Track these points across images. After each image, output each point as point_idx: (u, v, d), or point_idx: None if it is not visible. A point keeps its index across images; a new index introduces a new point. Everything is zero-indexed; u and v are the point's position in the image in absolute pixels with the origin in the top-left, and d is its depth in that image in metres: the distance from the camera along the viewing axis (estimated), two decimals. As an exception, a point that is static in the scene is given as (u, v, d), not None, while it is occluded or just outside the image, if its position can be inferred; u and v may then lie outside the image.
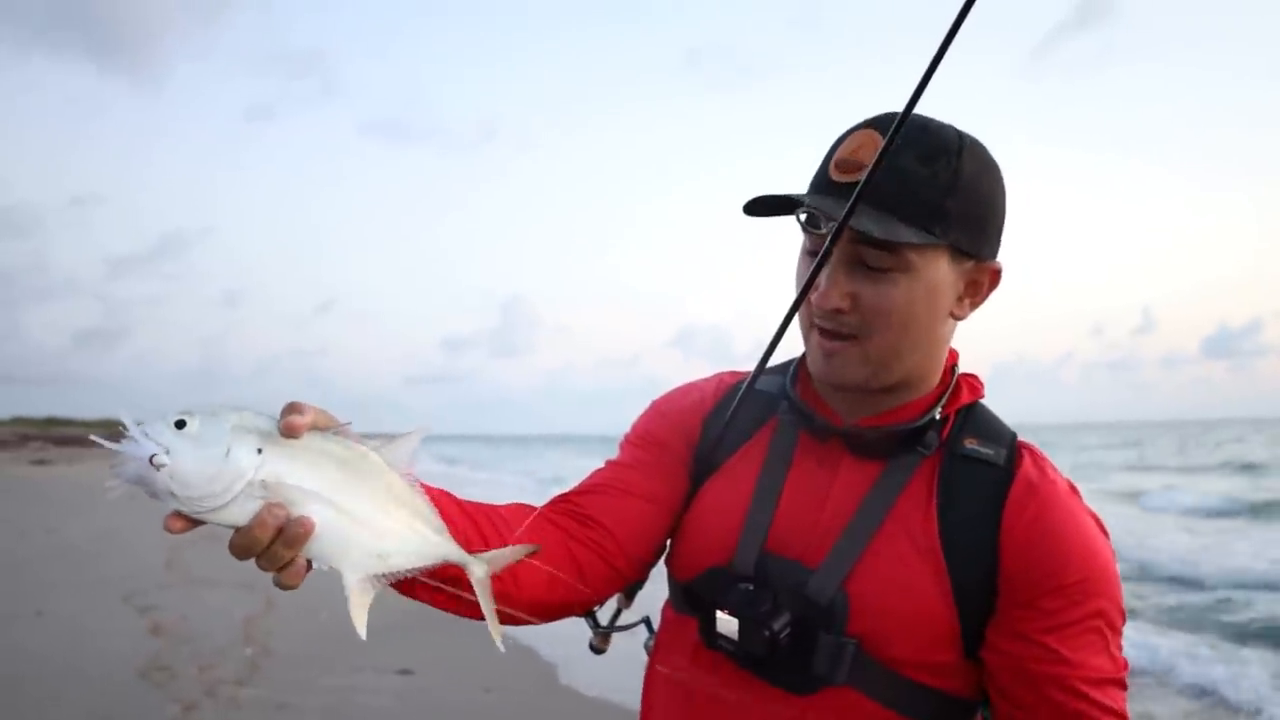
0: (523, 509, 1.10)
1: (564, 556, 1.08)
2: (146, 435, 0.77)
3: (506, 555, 0.96)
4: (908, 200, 1.00)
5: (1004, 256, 1.10)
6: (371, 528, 0.85)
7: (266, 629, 6.31)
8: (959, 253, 1.04)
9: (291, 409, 0.81)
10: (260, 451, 0.80)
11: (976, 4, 0.97)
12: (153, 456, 0.76)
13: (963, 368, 1.17)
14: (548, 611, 1.07)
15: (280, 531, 0.80)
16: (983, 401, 1.16)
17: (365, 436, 0.86)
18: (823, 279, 1.04)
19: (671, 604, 1.22)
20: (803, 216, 1.05)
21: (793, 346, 1.16)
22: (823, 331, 1.07)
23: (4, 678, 5.05)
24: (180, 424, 0.78)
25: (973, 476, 1.06)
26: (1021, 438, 1.13)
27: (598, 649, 1.29)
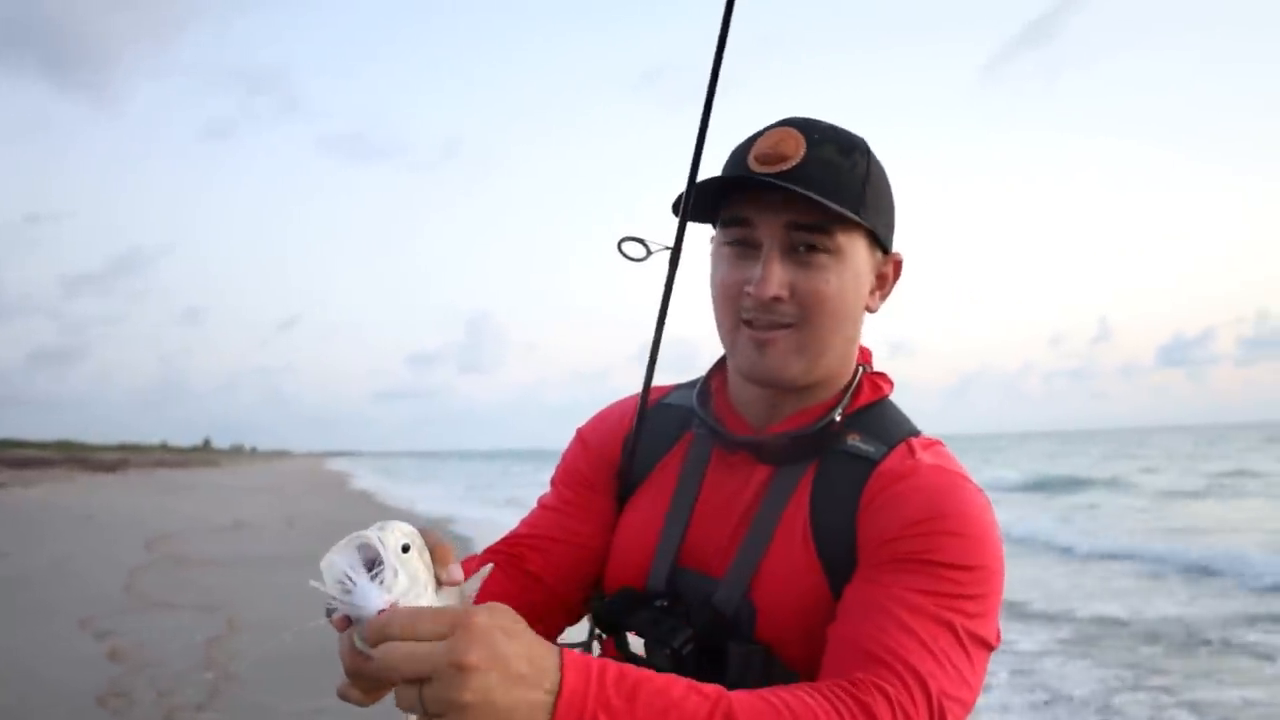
0: (465, 564, 1.12)
1: (528, 620, 1.10)
2: (386, 564, 0.76)
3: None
4: (835, 185, 1.03)
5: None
6: None
7: (229, 652, 6.20)
8: (873, 241, 1.09)
9: (447, 558, 0.81)
10: (435, 596, 0.81)
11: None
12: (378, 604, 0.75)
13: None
14: None
15: None
16: (889, 399, 1.15)
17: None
18: (758, 270, 1.05)
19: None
20: (738, 209, 1.07)
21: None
22: (756, 324, 1.07)
23: (-46, 708, 4.90)
24: (405, 549, 0.78)
25: (844, 472, 1.07)
26: (929, 436, 1.11)
27: None
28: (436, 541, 0.82)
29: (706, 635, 1.04)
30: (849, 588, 0.99)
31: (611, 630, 1.14)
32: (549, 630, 1.18)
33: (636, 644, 1.08)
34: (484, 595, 1.07)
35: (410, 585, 0.77)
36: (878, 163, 1.10)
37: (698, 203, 1.10)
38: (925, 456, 1.06)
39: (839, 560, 1.03)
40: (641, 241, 1.14)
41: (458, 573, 0.83)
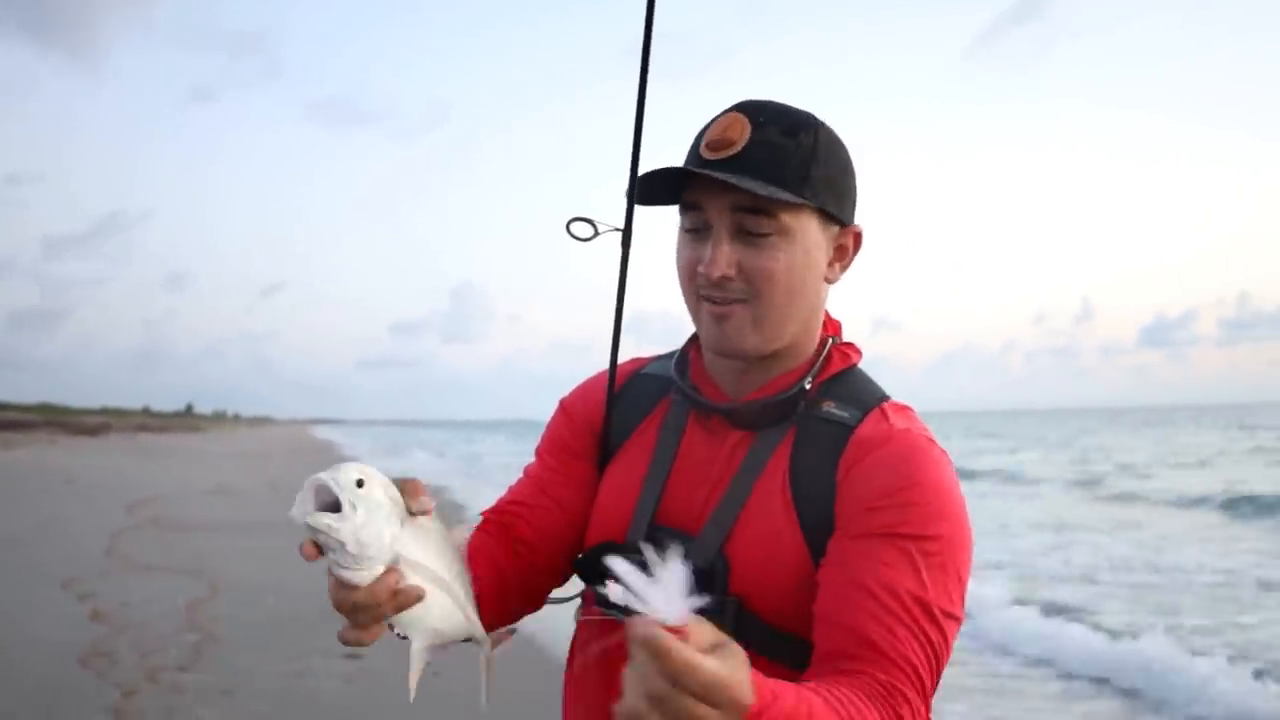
0: (478, 547, 1.18)
1: (498, 575, 1.17)
2: (343, 491, 0.86)
3: (501, 634, 1.11)
4: (779, 168, 1.08)
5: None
6: (447, 608, 0.98)
7: (211, 615, 6.24)
8: (826, 217, 1.13)
9: (418, 490, 0.93)
10: (401, 525, 0.91)
11: None
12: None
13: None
14: (490, 624, 1.17)
15: (393, 594, 0.90)
16: (859, 368, 1.22)
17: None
18: (708, 251, 1.10)
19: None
20: (687, 197, 1.13)
21: (677, 327, 1.27)
22: (710, 300, 1.13)
23: (-64, 666, 4.92)
24: (360, 483, 0.88)
25: (821, 435, 1.13)
26: (899, 402, 1.18)
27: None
28: (405, 479, 0.92)
29: None
30: (830, 557, 1.06)
31: (592, 581, 1.20)
32: (538, 592, 1.25)
33: (612, 589, 1.12)
34: (476, 561, 1.11)
35: (368, 516, 0.86)
36: (829, 139, 1.13)
37: (662, 187, 1.15)
38: (898, 421, 1.13)
39: (817, 521, 1.09)
40: (590, 222, 1.22)
41: (428, 503, 0.93)
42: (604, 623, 1.16)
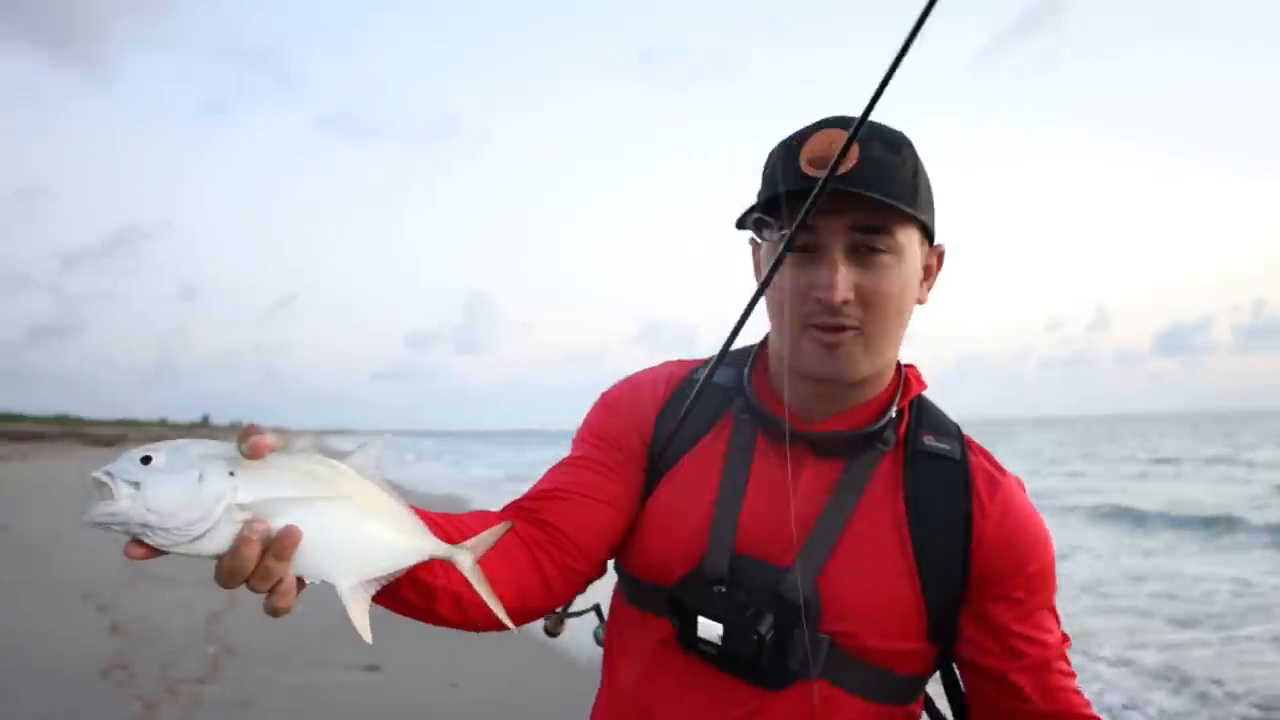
0: (480, 515, 1.10)
1: (527, 562, 1.09)
2: (112, 476, 0.77)
3: (487, 539, 0.96)
4: (892, 184, 1.05)
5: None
6: (356, 534, 0.85)
7: (229, 626, 6.25)
8: (925, 234, 1.12)
9: (251, 430, 0.81)
10: (232, 474, 0.80)
11: (935, 5, 0.99)
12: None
13: (923, 361, 1.22)
14: (517, 617, 1.07)
15: (267, 546, 0.80)
16: (924, 393, 1.20)
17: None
18: (823, 274, 1.05)
19: (624, 596, 1.23)
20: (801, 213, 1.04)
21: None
22: (822, 328, 1.07)
23: (-42, 678, 4.95)
24: (146, 459, 0.78)
25: (935, 472, 1.12)
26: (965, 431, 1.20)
27: (551, 632, 1.32)
28: (244, 428, 0.82)
29: (777, 624, 1.06)
30: (995, 623, 1.11)
31: (677, 615, 1.11)
32: (564, 586, 1.13)
33: (708, 630, 1.08)
34: (501, 546, 1.02)
35: (160, 485, 0.77)
36: (918, 155, 1.11)
37: (761, 210, 1.10)
38: (1000, 464, 1.17)
39: (939, 569, 1.09)
40: (764, 219, 1.10)
41: (263, 439, 0.80)
42: (689, 658, 1.11)
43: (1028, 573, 1.10)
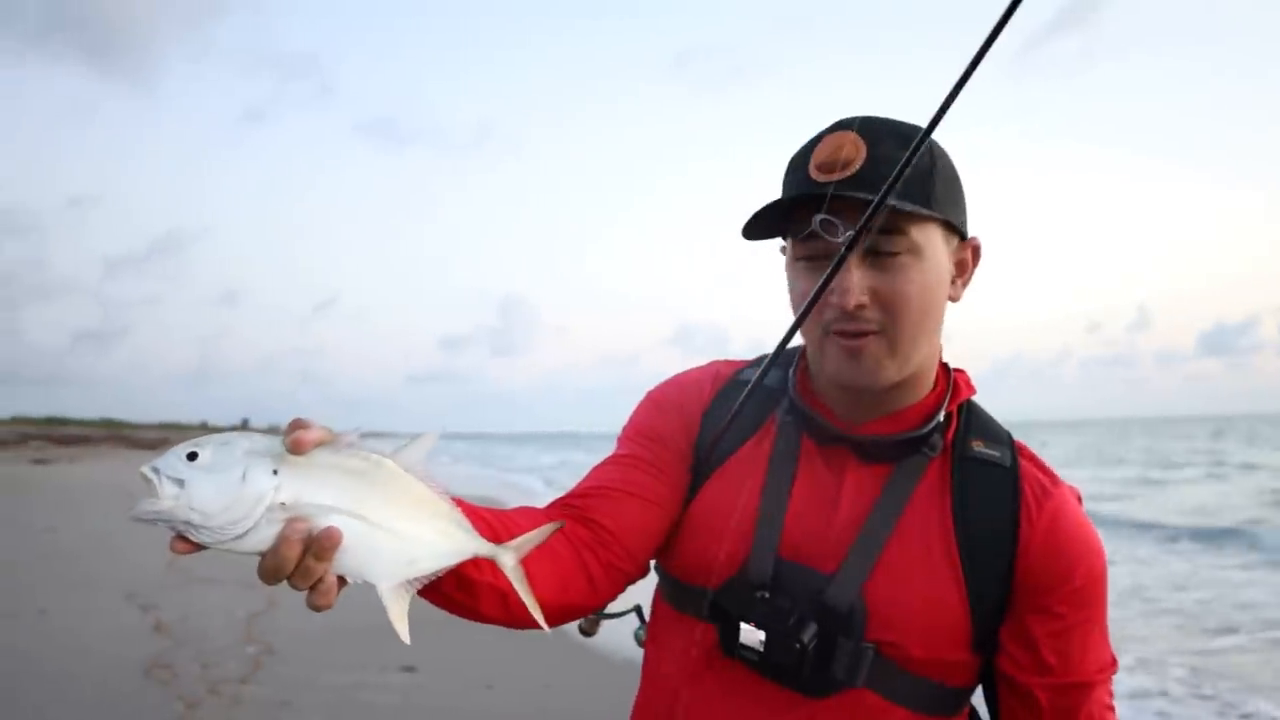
0: (529, 510, 1.10)
1: (573, 561, 1.08)
2: (158, 472, 0.78)
3: (532, 539, 0.95)
4: (902, 183, 1.00)
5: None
6: (397, 533, 0.85)
7: (269, 627, 6.33)
8: (949, 229, 1.08)
9: (296, 425, 0.81)
10: (276, 473, 0.80)
11: (1006, 11, 0.95)
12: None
13: (959, 364, 1.19)
14: (560, 615, 1.07)
15: (308, 546, 0.80)
16: (974, 398, 1.18)
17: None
18: (837, 281, 1.03)
19: (665, 597, 1.22)
20: (817, 221, 1.02)
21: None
22: (842, 333, 1.06)
23: (6, 677, 5.06)
24: (192, 456, 0.79)
25: (984, 479, 1.09)
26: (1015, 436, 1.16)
27: (587, 632, 1.32)
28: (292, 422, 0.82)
29: (821, 632, 1.05)
30: (1033, 631, 1.07)
31: (719, 620, 1.10)
32: (609, 586, 1.12)
33: (750, 636, 1.06)
34: (545, 544, 0.99)
35: (204, 481, 0.77)
36: (942, 149, 1.08)
37: (767, 219, 1.08)
38: (1052, 472, 1.13)
39: (987, 579, 1.06)
40: (831, 220, 1.01)
41: (309, 434, 0.80)
42: (731, 663, 1.09)
43: (1072, 586, 1.06)
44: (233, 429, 0.84)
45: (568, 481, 1.27)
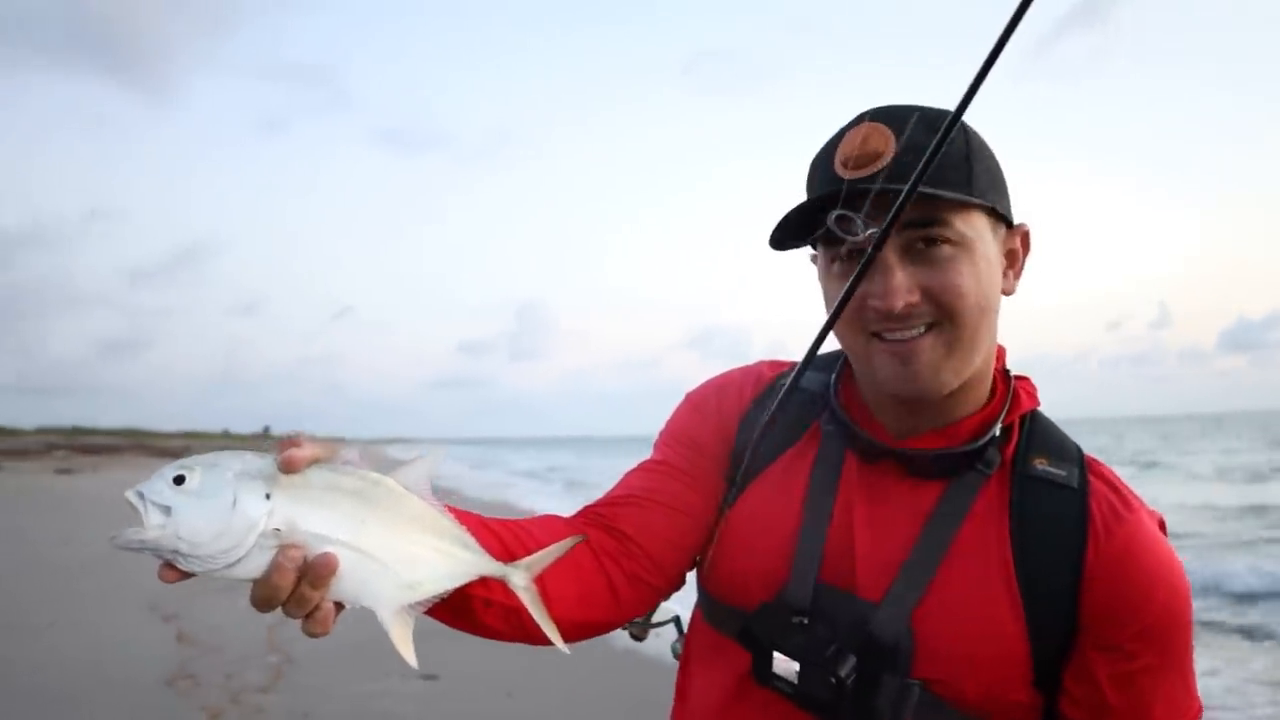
0: (550, 521, 1.05)
1: (596, 573, 1.03)
2: (143, 498, 0.74)
3: (545, 557, 0.91)
4: (938, 170, 0.93)
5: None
6: (396, 558, 0.81)
7: (290, 637, 6.33)
8: (994, 217, 1.00)
9: (289, 443, 0.77)
10: (269, 497, 0.76)
11: (1011, 8, 0.91)
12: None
13: (1026, 365, 1.11)
14: (581, 630, 1.02)
15: (302, 573, 0.76)
16: (1040, 409, 1.08)
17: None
18: (877, 281, 0.95)
19: (704, 614, 1.15)
20: (832, 219, 0.95)
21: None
22: (889, 336, 0.98)
23: (31, 686, 5.10)
24: (179, 479, 0.75)
25: (1047, 500, 0.99)
26: (1089, 453, 1.05)
27: (637, 637, 1.24)
28: (285, 439, 0.79)
29: (861, 666, 0.96)
30: (1099, 676, 0.96)
31: (753, 647, 1.02)
32: (633, 599, 1.06)
33: (784, 666, 0.99)
34: (567, 555, 0.94)
35: (192, 508, 0.74)
36: (976, 133, 1.00)
37: (794, 225, 1.00)
38: (1128, 495, 1.01)
39: (1050, 613, 0.96)
40: (848, 216, 0.95)
41: (301, 452, 0.77)
42: (766, 693, 1.01)
43: (1144, 624, 0.94)
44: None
45: (589, 484, 1.21)
